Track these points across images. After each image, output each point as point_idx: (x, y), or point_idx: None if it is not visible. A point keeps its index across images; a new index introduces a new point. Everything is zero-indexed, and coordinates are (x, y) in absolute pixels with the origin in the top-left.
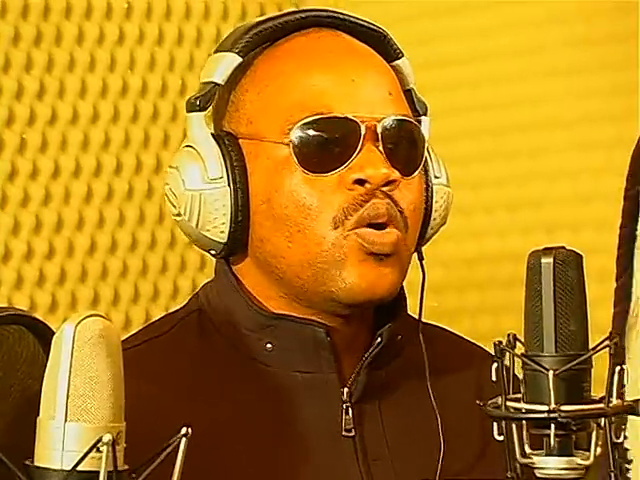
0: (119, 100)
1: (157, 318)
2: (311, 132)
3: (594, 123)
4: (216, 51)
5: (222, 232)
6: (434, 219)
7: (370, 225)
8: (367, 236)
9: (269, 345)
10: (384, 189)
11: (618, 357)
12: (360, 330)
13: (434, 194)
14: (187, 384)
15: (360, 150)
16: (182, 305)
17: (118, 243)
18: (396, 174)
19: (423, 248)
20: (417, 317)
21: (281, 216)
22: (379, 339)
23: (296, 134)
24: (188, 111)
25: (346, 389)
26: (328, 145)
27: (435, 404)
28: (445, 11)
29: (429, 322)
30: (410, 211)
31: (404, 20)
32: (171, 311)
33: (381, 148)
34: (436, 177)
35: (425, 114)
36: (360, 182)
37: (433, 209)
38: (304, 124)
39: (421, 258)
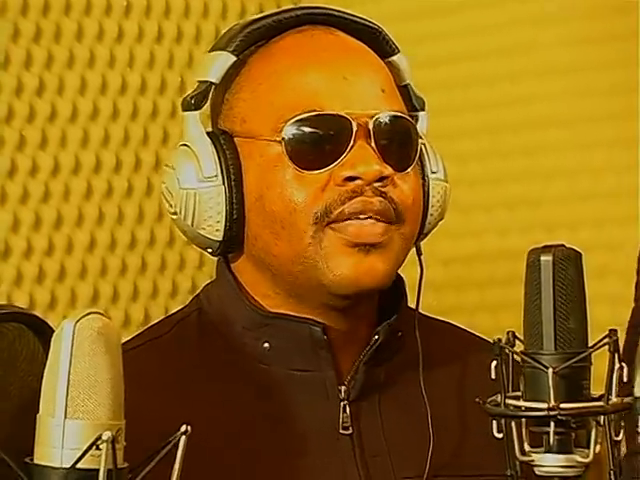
0: (118, 97)
1: (156, 321)
2: (303, 129)
3: (593, 122)
4: (211, 49)
5: (217, 230)
6: (431, 214)
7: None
8: (347, 228)
9: (266, 344)
10: (376, 185)
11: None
12: (359, 326)
13: (431, 189)
14: (186, 383)
15: (352, 147)
16: (182, 306)
17: (117, 241)
18: (389, 170)
19: (421, 244)
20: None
21: (270, 213)
22: (376, 336)
23: (288, 131)
24: (183, 110)
25: (343, 387)
26: (320, 142)
27: (426, 400)
28: (444, 10)
29: (431, 315)
30: (408, 205)
31: (401, 19)
32: (171, 313)
33: (373, 145)
34: (433, 172)
35: (423, 109)
36: (351, 179)
37: (430, 204)
38: (296, 121)
39: (419, 253)
